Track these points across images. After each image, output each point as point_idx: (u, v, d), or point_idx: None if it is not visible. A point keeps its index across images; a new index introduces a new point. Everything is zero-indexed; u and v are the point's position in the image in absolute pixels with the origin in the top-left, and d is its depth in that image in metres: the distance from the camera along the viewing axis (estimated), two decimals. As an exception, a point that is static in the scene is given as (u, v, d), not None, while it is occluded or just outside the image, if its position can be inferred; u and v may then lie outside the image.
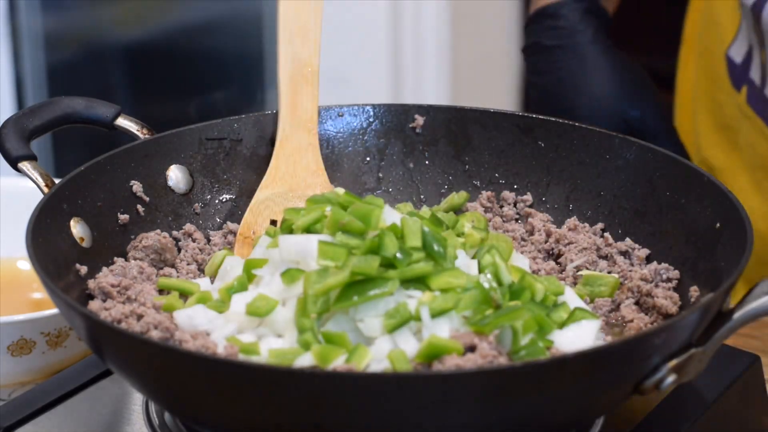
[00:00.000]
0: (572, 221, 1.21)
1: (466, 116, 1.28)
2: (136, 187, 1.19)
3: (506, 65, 3.27)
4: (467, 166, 1.28)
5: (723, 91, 1.57)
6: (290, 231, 1.08)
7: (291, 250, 1.04)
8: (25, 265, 1.43)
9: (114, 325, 1.00)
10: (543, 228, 1.21)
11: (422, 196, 1.28)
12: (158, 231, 1.18)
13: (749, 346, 1.24)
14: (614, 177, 1.21)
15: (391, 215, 1.05)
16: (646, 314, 1.10)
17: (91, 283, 1.09)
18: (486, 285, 1.01)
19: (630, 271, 1.15)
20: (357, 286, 0.99)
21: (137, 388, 1.01)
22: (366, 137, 1.29)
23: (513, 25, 3.25)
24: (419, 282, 1.01)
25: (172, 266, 1.17)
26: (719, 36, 1.58)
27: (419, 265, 1.01)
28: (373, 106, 1.29)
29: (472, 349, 0.97)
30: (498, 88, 3.28)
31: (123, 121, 1.24)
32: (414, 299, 1.00)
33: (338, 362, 0.96)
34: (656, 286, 1.12)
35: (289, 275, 1.02)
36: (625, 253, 1.17)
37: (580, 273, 1.16)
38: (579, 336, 1.02)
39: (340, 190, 1.16)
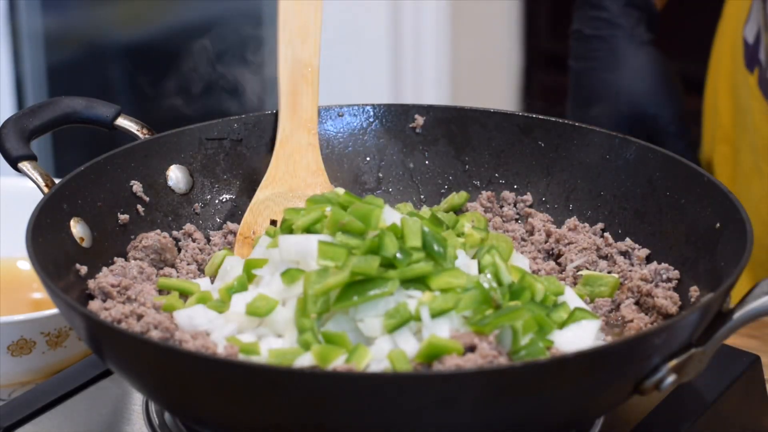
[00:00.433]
0: (572, 221, 1.21)
1: (466, 116, 1.27)
2: (136, 187, 1.19)
3: (506, 65, 3.27)
4: (467, 166, 1.27)
5: (740, 72, 1.58)
6: (290, 231, 1.08)
7: (291, 250, 1.04)
8: (25, 265, 1.43)
9: (114, 325, 1.00)
10: (543, 228, 1.21)
11: (422, 196, 1.28)
12: (158, 231, 1.18)
13: (749, 346, 1.24)
14: (614, 177, 1.21)
15: (391, 215, 1.05)
16: (646, 314, 1.10)
17: (91, 283, 1.09)
18: (486, 285, 1.01)
19: (630, 271, 1.15)
20: (357, 286, 0.99)
21: (137, 388, 1.01)
22: (366, 137, 1.28)
23: (513, 25, 3.25)
24: (419, 282, 1.01)
25: (172, 266, 1.17)
26: (737, 14, 1.59)
27: (419, 265, 1.01)
28: (373, 106, 1.29)
29: (472, 349, 0.97)
30: (498, 88, 3.28)
31: (123, 121, 1.24)
32: (414, 299, 1.00)
33: (338, 362, 0.96)
34: (656, 286, 1.12)
35: (289, 275, 1.02)
36: (625, 253, 1.17)
37: (580, 273, 1.16)
38: (579, 336, 1.02)
39: (340, 190, 1.16)
